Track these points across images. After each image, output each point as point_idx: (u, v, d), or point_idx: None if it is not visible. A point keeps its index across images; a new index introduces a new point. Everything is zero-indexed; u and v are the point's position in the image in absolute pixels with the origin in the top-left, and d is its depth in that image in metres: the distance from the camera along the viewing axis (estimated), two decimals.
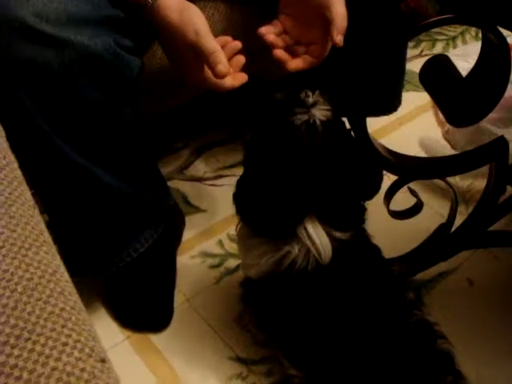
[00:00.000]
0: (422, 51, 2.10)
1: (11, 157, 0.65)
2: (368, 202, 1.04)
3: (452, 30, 2.20)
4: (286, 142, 0.90)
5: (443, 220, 1.25)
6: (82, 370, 0.48)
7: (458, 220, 1.24)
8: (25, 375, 0.46)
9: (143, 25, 0.93)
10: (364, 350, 0.95)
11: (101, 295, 1.31)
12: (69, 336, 0.50)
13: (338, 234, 0.95)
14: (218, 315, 1.29)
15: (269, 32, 0.96)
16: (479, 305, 1.31)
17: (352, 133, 1.02)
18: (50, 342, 0.49)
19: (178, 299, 1.31)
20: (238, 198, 0.99)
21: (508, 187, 1.16)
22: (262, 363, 1.20)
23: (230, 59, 0.93)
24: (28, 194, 0.63)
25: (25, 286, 0.52)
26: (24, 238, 0.56)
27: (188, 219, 1.43)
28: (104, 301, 1.30)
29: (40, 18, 0.81)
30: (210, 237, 1.46)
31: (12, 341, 0.47)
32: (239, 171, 1.02)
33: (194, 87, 0.97)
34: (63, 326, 0.51)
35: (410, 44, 2.04)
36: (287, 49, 0.97)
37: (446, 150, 1.67)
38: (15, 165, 0.64)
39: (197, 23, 0.89)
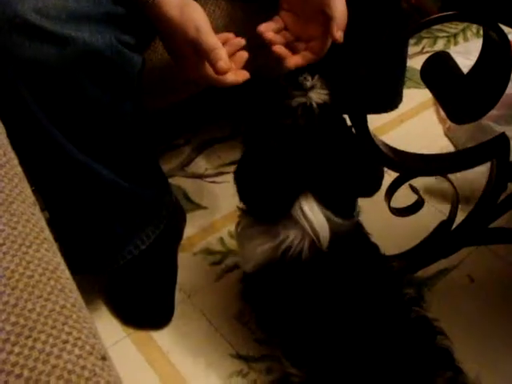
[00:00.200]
0: (423, 48, 2.10)
1: (11, 154, 0.65)
2: (369, 200, 1.04)
3: (453, 27, 2.19)
4: (282, 123, 0.92)
5: (444, 217, 1.25)
6: (83, 367, 0.48)
7: (459, 217, 1.24)
8: (25, 373, 0.46)
9: (144, 21, 0.93)
10: (363, 346, 0.95)
11: (102, 292, 1.31)
12: (69, 334, 0.50)
13: (335, 219, 0.95)
14: (218, 312, 1.29)
15: (268, 29, 0.95)
16: (480, 302, 1.31)
17: (353, 129, 1.02)
18: (51, 340, 0.49)
19: (179, 296, 1.32)
20: (237, 179, 1.00)
21: (509, 184, 1.16)
22: (262, 360, 1.21)
23: (232, 55, 0.93)
24: (29, 191, 0.63)
25: (25, 283, 0.52)
26: (25, 236, 0.56)
27: (189, 216, 1.43)
28: (105, 298, 1.30)
29: (41, 14, 0.80)
30: (211, 234, 1.46)
31: (13, 338, 0.47)
32: None
33: (195, 82, 0.97)
34: (64, 324, 0.51)
35: (411, 41, 2.03)
36: (287, 45, 0.97)
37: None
38: (16, 162, 0.64)
39: (197, 20, 0.88)
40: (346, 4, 0.90)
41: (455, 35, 2.17)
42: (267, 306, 1.06)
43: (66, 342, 0.49)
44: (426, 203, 1.19)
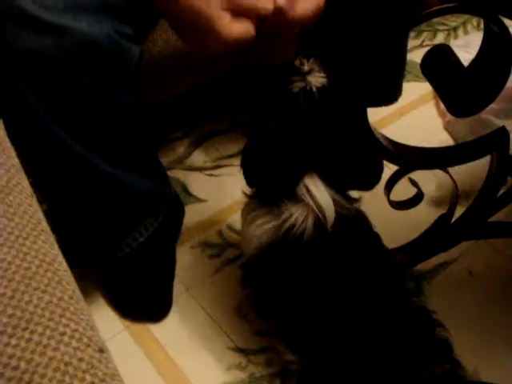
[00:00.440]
0: (423, 41, 2.09)
1: (8, 144, 0.64)
2: (368, 193, 1.04)
3: (453, 21, 2.19)
4: (285, 108, 0.93)
5: (443, 211, 1.25)
6: (80, 359, 0.48)
7: (459, 211, 1.24)
8: (22, 365, 0.45)
9: (143, 12, 0.92)
10: (363, 333, 0.95)
11: (100, 285, 1.31)
12: (67, 326, 0.50)
13: (339, 199, 0.97)
14: (217, 305, 1.29)
15: None
16: (479, 295, 1.31)
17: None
18: (48, 332, 0.48)
19: (178, 289, 1.31)
20: (244, 162, 1.02)
21: (508, 178, 1.16)
22: (261, 353, 1.21)
23: None
24: (26, 183, 0.62)
25: (22, 275, 0.51)
26: (22, 227, 0.56)
27: (187, 209, 1.43)
28: (103, 291, 1.30)
29: (38, 4, 0.80)
30: (209, 227, 1.46)
31: (9, 330, 0.47)
32: (239, 161, 1.02)
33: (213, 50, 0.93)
34: (61, 316, 0.50)
35: (411, 34, 2.03)
36: None
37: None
38: (12, 153, 0.64)
39: None
40: None
41: (455, 28, 2.16)
42: (267, 290, 1.06)
43: (63, 334, 0.49)
44: (425, 196, 1.19)
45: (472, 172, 1.40)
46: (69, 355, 0.48)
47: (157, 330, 1.25)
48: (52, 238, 0.59)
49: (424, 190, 1.18)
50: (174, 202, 1.32)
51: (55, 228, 0.70)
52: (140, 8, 0.91)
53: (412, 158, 1.12)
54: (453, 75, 1.04)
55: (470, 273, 1.36)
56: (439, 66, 1.05)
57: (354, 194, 1.03)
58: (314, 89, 0.92)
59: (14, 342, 0.47)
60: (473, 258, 1.37)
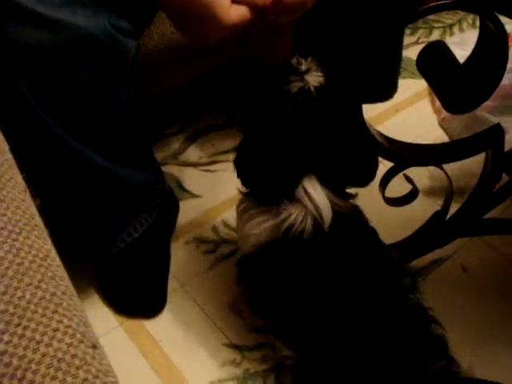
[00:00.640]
0: (418, 38, 2.09)
1: (1, 139, 0.64)
2: (363, 189, 1.04)
3: (449, 18, 2.19)
4: (283, 108, 0.92)
5: (438, 207, 1.25)
6: (73, 355, 0.48)
7: (453, 207, 1.24)
8: (14, 361, 0.45)
9: (140, 6, 0.91)
10: (358, 329, 0.95)
11: (94, 281, 1.30)
12: (60, 321, 0.50)
13: (336, 200, 0.97)
14: (211, 301, 1.29)
15: None
16: (473, 292, 1.31)
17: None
18: (41, 328, 0.48)
19: (172, 285, 1.31)
20: (238, 163, 1.01)
21: (503, 175, 1.16)
22: (256, 349, 1.20)
23: None
24: (19, 178, 0.62)
25: (15, 270, 0.51)
26: (14, 222, 0.55)
27: (182, 204, 1.43)
28: (97, 286, 1.30)
29: None
30: (204, 222, 1.46)
31: (2, 326, 0.47)
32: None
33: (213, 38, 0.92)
34: (54, 312, 0.50)
35: (407, 31, 2.03)
36: None
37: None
38: (6, 147, 0.63)
39: None
40: None
41: (451, 26, 2.17)
42: (264, 287, 1.06)
43: (56, 330, 0.49)
44: (420, 193, 1.19)
45: (467, 169, 1.41)
46: (62, 351, 0.47)
47: (151, 326, 1.25)
48: (45, 234, 0.59)
49: (419, 186, 1.18)
50: (168, 197, 1.32)
51: (49, 223, 0.69)
52: (136, 2, 0.90)
53: (407, 155, 1.12)
54: (448, 72, 1.04)
55: (465, 269, 1.36)
56: (435, 62, 1.05)
57: (349, 190, 1.03)
58: (312, 88, 0.91)
59: (6, 338, 0.46)
60: (467, 255, 1.38)
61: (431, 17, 2.13)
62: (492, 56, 1.00)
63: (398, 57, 1.43)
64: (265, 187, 0.99)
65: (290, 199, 0.96)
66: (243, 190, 1.05)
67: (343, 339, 0.96)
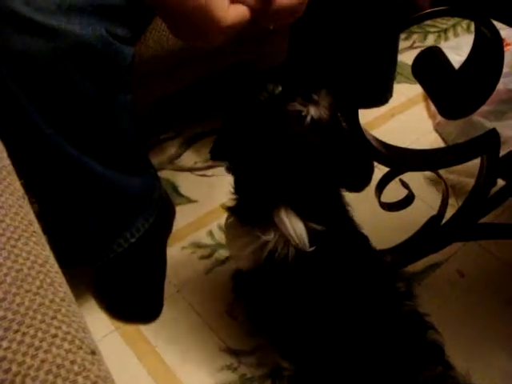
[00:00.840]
0: (413, 43, 2.10)
1: (0, 146, 0.64)
2: (359, 194, 1.04)
3: (444, 23, 2.20)
4: (273, 129, 0.91)
5: (434, 212, 1.25)
6: (72, 362, 0.48)
7: (449, 212, 1.24)
8: (14, 368, 0.45)
9: (136, 13, 0.91)
10: (354, 339, 0.95)
11: (90, 286, 1.30)
12: (59, 328, 0.50)
13: (313, 225, 0.95)
14: (208, 306, 1.29)
15: None
16: (469, 296, 1.31)
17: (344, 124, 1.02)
18: (40, 334, 0.48)
19: (169, 290, 1.31)
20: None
21: (498, 180, 1.16)
22: (252, 354, 1.21)
23: None
24: (17, 184, 0.62)
25: (14, 277, 0.51)
26: (13, 229, 0.55)
27: (178, 209, 1.43)
28: (94, 292, 1.30)
29: (30, 6, 0.80)
30: (200, 227, 1.46)
31: (0, 332, 0.47)
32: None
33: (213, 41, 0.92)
34: (53, 318, 0.50)
35: (402, 36, 2.04)
36: None
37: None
38: (4, 154, 0.63)
39: None
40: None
41: (446, 30, 2.17)
42: (259, 302, 1.06)
43: (55, 336, 0.49)
44: (415, 198, 1.19)
45: (462, 174, 1.41)
46: (61, 357, 0.47)
47: (147, 331, 1.25)
48: (43, 240, 0.59)
49: (414, 190, 1.18)
50: (164, 202, 1.32)
51: (47, 229, 0.69)
52: (133, 9, 0.91)
53: (403, 160, 1.13)
54: (443, 77, 1.05)
55: (461, 274, 1.36)
56: (430, 67, 1.05)
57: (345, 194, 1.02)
58: (309, 118, 0.90)
59: (5, 344, 0.46)
60: (463, 260, 1.38)
61: (426, 21, 2.14)
62: (487, 61, 1.00)
63: (393, 62, 1.44)
64: (245, 206, 0.99)
65: (267, 223, 0.95)
66: (227, 204, 1.04)
67: (339, 348, 0.96)
